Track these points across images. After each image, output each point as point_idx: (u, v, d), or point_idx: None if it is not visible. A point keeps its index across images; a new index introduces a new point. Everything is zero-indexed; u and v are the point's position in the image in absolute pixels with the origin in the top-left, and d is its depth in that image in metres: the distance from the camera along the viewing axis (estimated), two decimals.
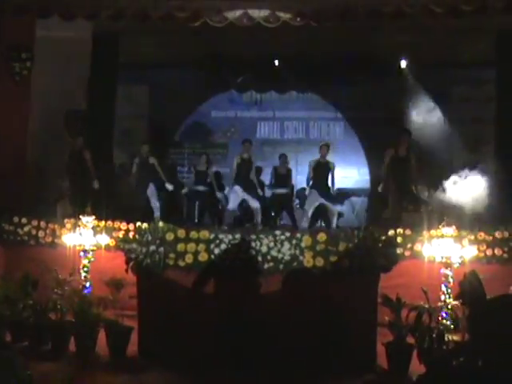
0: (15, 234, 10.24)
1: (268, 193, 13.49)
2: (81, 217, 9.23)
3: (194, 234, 9.07)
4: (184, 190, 13.58)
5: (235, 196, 12.21)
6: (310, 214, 11.98)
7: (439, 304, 8.14)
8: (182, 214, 13.49)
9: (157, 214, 12.09)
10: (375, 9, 10.24)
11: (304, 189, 13.11)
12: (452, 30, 11.84)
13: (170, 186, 12.89)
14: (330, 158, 12.57)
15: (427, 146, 12.99)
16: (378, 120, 15.49)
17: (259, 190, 12.62)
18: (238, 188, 12.19)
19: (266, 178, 13.76)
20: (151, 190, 12.31)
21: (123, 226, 9.89)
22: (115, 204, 12.30)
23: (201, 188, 13.23)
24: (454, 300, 7.86)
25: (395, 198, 11.33)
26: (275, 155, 14.44)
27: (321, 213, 12.26)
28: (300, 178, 13.85)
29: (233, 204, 12.22)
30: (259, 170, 13.88)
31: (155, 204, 12.24)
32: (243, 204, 12.51)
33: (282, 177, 13.13)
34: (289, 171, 13.26)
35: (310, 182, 12.38)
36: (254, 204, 12.20)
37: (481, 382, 3.50)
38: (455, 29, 11.35)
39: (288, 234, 8.98)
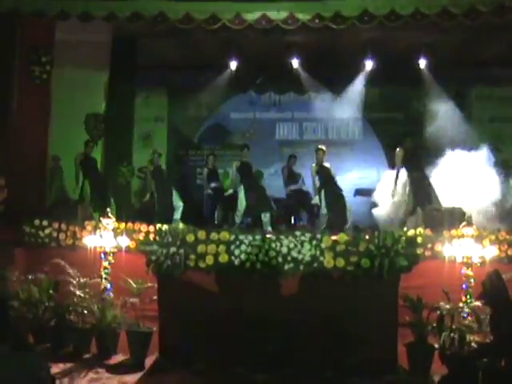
0: (36, 237, 10.27)
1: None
2: (101, 219, 9.28)
3: (214, 236, 9.04)
4: (207, 191, 13.63)
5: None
6: None
7: (460, 304, 8.09)
8: (203, 216, 13.47)
9: (177, 215, 12.08)
10: (393, 11, 10.22)
11: None
12: (471, 29, 11.76)
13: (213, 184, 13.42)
14: (349, 158, 12.57)
15: (445, 145, 12.90)
16: (396, 120, 15.47)
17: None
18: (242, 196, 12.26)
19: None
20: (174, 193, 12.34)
21: (143, 227, 9.91)
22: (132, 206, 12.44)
23: (214, 185, 13.40)
24: (477, 300, 7.81)
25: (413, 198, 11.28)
26: None
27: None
28: None
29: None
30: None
31: (177, 205, 12.22)
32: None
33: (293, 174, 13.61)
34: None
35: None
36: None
37: (504, 382, 3.48)
38: (474, 28, 11.27)
39: (308, 235, 8.95)
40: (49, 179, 12.23)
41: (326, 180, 12.19)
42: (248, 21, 10.49)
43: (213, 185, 13.55)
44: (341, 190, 12.36)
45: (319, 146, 12.92)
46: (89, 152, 12.35)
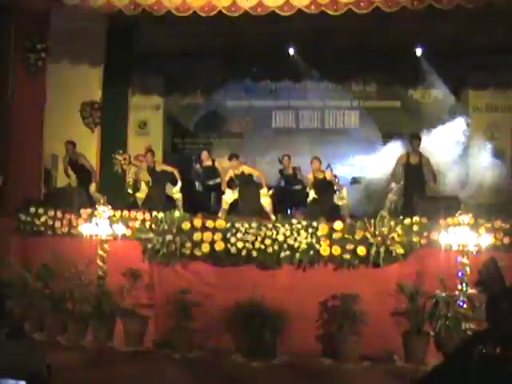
0: (32, 225, 10.24)
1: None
2: (97, 207, 9.27)
3: (210, 223, 9.06)
4: (197, 187, 13.38)
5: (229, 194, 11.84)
6: None
7: (456, 292, 8.11)
8: (202, 203, 13.35)
9: (179, 205, 11.92)
10: None
11: None
12: (469, 17, 11.71)
13: (211, 182, 13.00)
14: (345, 146, 12.42)
15: (442, 132, 12.91)
16: (393, 108, 15.45)
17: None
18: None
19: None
20: (173, 191, 12.14)
21: (139, 215, 9.88)
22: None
23: (212, 182, 13.19)
24: (473, 287, 7.83)
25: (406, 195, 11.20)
26: (290, 144, 14.41)
27: None
28: None
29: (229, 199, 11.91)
30: None
31: (178, 199, 12.05)
32: None
33: (289, 177, 12.95)
34: (294, 170, 13.02)
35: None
36: None
37: (499, 370, 3.48)
38: (472, 15, 11.22)
39: (304, 223, 8.96)
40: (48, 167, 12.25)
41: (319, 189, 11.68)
42: (244, 8, 10.44)
43: (211, 182, 13.26)
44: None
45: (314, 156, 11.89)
46: (71, 153, 12.22)
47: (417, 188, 10.96)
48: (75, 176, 12.10)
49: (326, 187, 11.46)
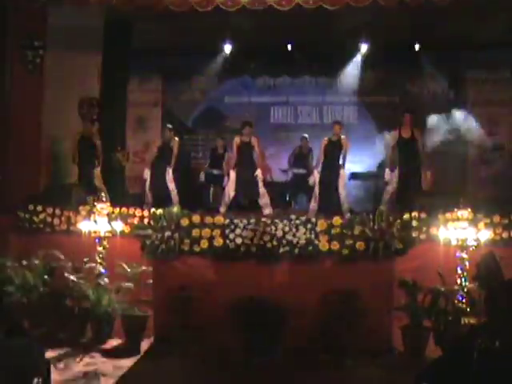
0: (30, 222, 10.24)
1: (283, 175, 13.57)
2: (95, 203, 9.24)
3: (208, 220, 9.04)
4: (201, 177, 13.44)
5: (232, 183, 11.82)
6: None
7: (455, 287, 8.11)
8: (201, 200, 13.36)
9: (174, 199, 11.91)
10: None
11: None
12: (468, 11, 11.68)
13: (215, 171, 13.04)
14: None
15: (442, 129, 12.90)
16: (392, 104, 15.46)
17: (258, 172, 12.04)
18: (233, 175, 11.84)
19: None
20: (169, 176, 12.13)
21: (138, 212, 9.87)
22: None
23: (215, 171, 13.22)
24: (471, 281, 7.84)
25: (403, 184, 11.17)
26: (289, 140, 14.41)
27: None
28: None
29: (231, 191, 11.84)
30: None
31: (173, 190, 12.05)
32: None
33: (302, 156, 13.32)
34: (310, 151, 13.36)
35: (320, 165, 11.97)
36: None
37: (498, 364, 3.48)
38: (471, 9, 11.18)
39: (303, 218, 8.95)
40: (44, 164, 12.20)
41: (326, 157, 11.79)
42: (242, 2, 10.41)
43: (215, 171, 13.33)
44: (337, 169, 11.84)
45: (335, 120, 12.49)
46: (85, 132, 12.19)
47: (413, 178, 10.97)
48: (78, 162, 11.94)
49: (335, 149, 11.81)
